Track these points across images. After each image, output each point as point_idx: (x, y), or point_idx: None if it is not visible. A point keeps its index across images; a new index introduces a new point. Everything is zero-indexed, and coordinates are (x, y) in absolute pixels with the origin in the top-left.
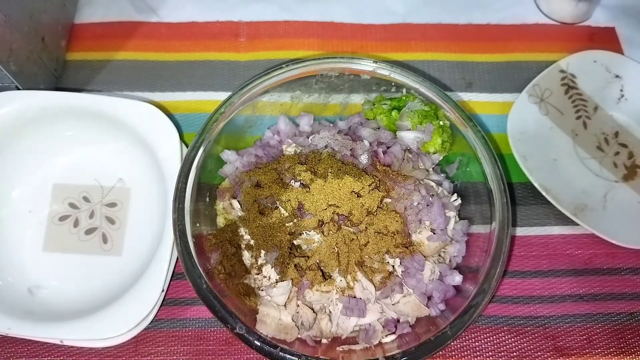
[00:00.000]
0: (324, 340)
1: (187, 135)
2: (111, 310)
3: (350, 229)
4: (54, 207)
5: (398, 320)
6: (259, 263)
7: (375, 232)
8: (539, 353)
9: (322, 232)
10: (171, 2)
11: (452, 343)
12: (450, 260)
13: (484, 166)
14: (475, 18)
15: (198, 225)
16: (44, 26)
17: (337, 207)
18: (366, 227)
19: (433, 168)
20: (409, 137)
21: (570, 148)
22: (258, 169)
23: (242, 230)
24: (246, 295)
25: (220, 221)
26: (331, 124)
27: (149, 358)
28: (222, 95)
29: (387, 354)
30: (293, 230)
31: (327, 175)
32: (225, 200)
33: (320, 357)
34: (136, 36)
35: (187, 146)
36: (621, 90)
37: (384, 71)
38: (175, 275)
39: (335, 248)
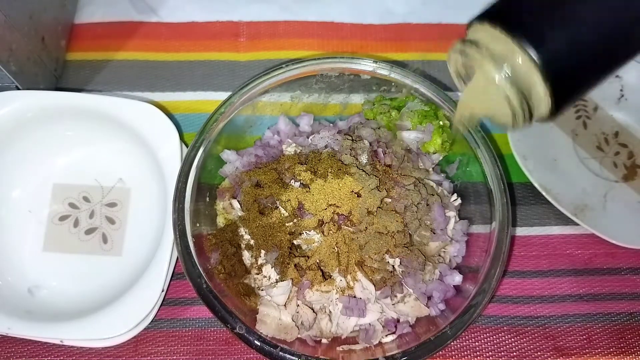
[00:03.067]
0: (324, 340)
1: (187, 135)
2: (111, 310)
3: (350, 229)
4: (54, 207)
5: (398, 320)
6: (259, 263)
7: (375, 232)
8: (539, 353)
9: (322, 232)
10: (171, 2)
11: (452, 343)
12: (450, 260)
13: (484, 166)
14: None
15: (198, 225)
16: (44, 26)
17: (337, 207)
18: (366, 227)
19: (433, 168)
20: (409, 137)
21: (570, 148)
22: (258, 169)
23: (242, 230)
24: (246, 295)
25: (220, 221)
26: (331, 124)
27: (149, 358)
28: (222, 95)
29: (387, 354)
30: (293, 230)
31: (327, 175)
32: (225, 200)
33: (320, 357)
34: (136, 36)
35: (187, 146)
36: (621, 90)
37: (384, 71)
38: (175, 275)
39: (335, 248)
